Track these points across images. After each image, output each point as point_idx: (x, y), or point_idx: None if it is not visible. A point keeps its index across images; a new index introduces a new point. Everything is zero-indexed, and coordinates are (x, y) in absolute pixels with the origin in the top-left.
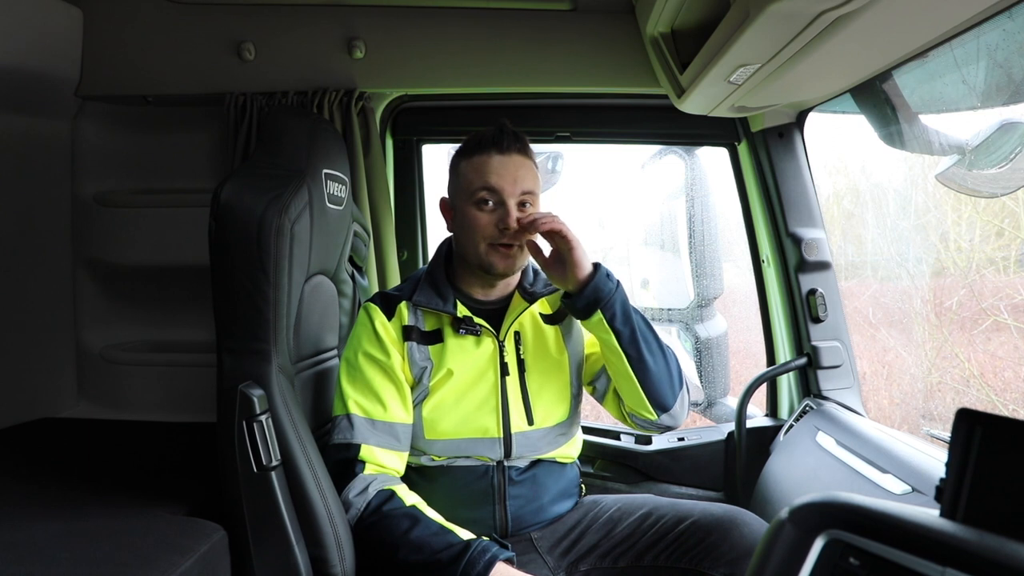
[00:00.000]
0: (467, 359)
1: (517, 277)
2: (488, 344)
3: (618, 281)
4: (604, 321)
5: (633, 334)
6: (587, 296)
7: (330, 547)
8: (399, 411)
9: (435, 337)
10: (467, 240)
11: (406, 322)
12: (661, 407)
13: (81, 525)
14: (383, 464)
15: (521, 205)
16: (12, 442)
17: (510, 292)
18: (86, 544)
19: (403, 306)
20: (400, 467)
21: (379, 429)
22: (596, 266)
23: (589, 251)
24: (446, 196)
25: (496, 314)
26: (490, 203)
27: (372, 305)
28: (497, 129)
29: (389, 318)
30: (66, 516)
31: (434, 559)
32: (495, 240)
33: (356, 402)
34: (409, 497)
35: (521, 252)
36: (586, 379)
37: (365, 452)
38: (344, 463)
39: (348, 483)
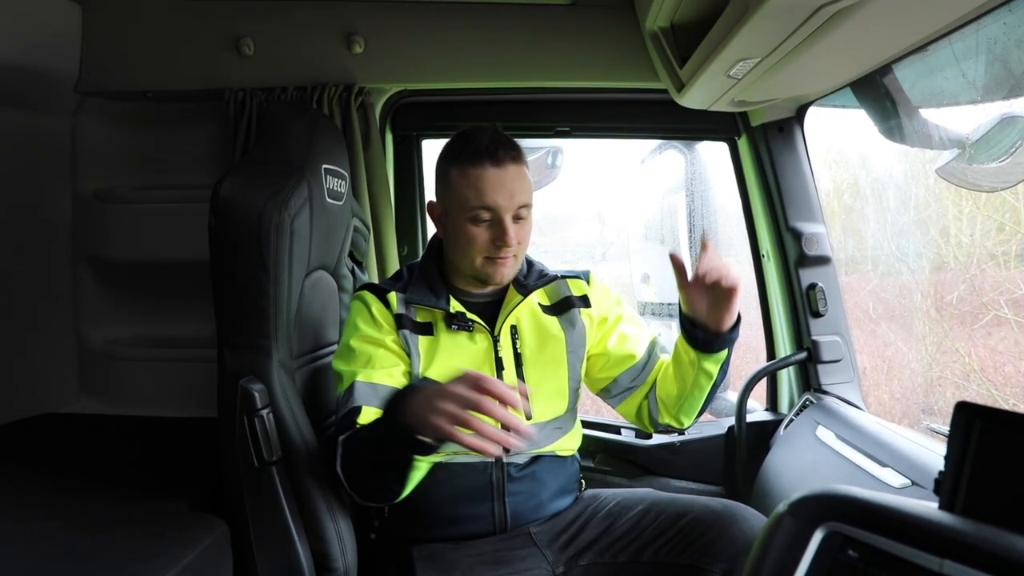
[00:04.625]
0: (461, 355)
1: None
2: (482, 340)
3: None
4: (721, 362)
5: (726, 371)
6: (729, 339)
7: (331, 541)
8: (401, 379)
9: (427, 329)
10: (462, 253)
11: (397, 311)
12: (696, 418)
13: (83, 519)
14: None
15: (516, 219)
16: (14, 437)
17: (504, 286)
18: (88, 538)
19: (393, 296)
20: None
21: (381, 393)
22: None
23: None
24: (434, 200)
25: (491, 308)
26: (487, 219)
27: (366, 293)
28: (490, 138)
29: (384, 306)
30: (68, 511)
31: (376, 441)
32: (492, 255)
33: (356, 371)
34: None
35: (515, 261)
36: (597, 384)
37: (365, 415)
38: (346, 428)
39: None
